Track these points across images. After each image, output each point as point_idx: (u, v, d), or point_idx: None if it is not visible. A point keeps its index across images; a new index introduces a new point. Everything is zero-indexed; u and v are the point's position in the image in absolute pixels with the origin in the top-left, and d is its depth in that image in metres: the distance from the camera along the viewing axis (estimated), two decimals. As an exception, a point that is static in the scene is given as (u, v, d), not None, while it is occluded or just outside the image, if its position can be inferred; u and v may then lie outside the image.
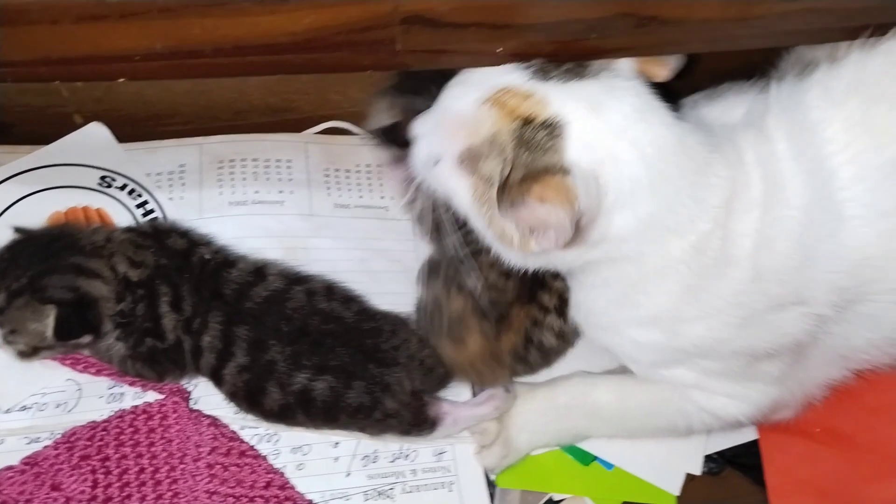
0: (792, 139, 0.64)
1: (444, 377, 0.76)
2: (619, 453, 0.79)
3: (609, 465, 0.79)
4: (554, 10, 0.61)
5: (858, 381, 0.80)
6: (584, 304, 0.72)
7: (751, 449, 0.81)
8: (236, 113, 0.95)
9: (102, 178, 0.87)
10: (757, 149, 0.64)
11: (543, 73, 0.62)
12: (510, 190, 0.60)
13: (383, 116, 0.81)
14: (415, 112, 0.71)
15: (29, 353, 0.70)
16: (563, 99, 0.61)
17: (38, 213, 0.83)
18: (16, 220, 0.81)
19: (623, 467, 0.79)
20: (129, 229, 0.78)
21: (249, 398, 0.71)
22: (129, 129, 0.91)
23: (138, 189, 0.87)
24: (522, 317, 0.77)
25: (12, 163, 0.86)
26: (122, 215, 0.85)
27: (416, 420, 0.73)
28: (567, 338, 0.78)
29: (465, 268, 0.73)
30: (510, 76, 0.62)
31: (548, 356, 0.79)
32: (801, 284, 0.64)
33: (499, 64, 0.66)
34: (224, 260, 0.75)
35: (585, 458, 0.79)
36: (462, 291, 0.75)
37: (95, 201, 0.85)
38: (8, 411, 0.72)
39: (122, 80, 0.63)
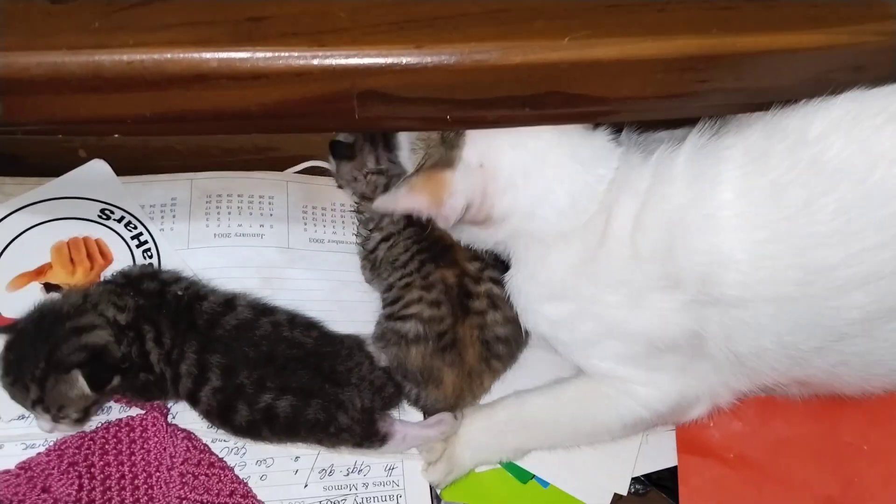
0: (693, 156, 0.74)
1: (392, 396, 0.84)
2: (554, 472, 0.87)
3: (545, 483, 0.87)
4: (490, 89, 0.69)
5: (772, 414, 0.89)
6: (513, 290, 0.83)
7: (675, 473, 0.88)
8: (226, 151, 1.04)
9: (102, 210, 0.96)
10: (662, 155, 0.76)
11: None
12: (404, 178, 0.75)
13: (342, 135, 0.95)
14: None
15: (83, 416, 0.78)
16: None
17: (43, 243, 0.92)
18: (24, 247, 0.91)
19: (557, 485, 0.87)
20: (105, 282, 0.86)
21: (222, 416, 0.80)
22: (127, 163, 1.01)
23: (134, 221, 0.96)
24: (468, 329, 0.87)
25: (22, 195, 0.95)
26: (118, 245, 0.94)
27: (367, 434, 0.81)
28: (514, 319, 0.86)
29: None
30: None
31: (511, 342, 0.89)
32: (673, 269, 0.73)
33: (449, 129, 0.76)
34: (196, 293, 0.83)
35: (524, 476, 0.87)
36: (412, 341, 0.85)
37: (95, 232, 0.94)
38: (8, 420, 0.81)
39: (116, 136, 0.73)
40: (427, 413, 0.87)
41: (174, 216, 0.98)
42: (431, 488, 0.85)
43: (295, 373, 0.80)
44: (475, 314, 0.87)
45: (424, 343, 0.85)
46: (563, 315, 0.80)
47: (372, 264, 0.94)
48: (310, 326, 0.84)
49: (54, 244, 0.92)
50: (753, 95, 0.74)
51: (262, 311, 0.84)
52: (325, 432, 0.80)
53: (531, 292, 0.81)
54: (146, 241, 0.95)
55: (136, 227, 0.96)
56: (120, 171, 1.00)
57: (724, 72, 0.71)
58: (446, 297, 0.86)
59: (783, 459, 0.86)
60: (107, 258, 0.93)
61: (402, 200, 0.74)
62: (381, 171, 0.95)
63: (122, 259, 0.93)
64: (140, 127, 0.70)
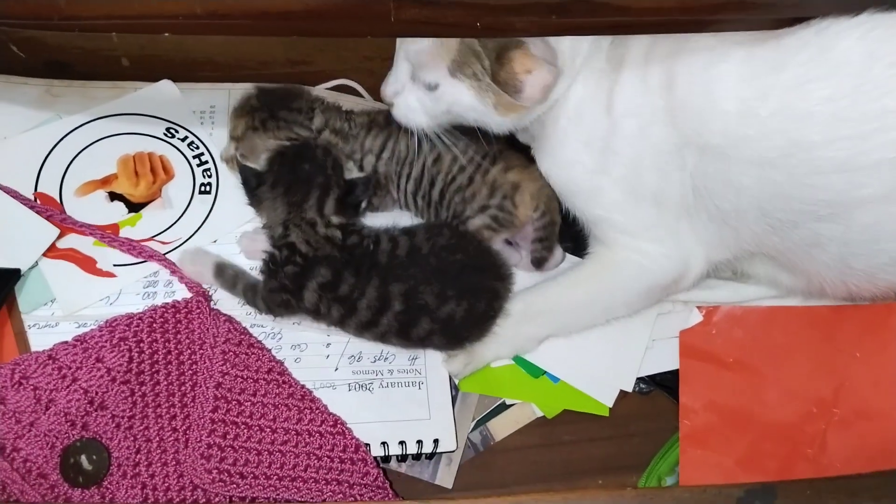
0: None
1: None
2: (564, 369, 0.93)
3: (555, 379, 0.93)
4: (520, -5, 0.73)
5: (772, 323, 0.94)
6: (542, 154, 0.90)
7: (677, 376, 0.93)
8: (261, 63, 1.09)
9: (168, 129, 1.02)
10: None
11: None
12: (501, 76, 0.78)
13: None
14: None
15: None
16: None
17: (111, 155, 0.99)
18: (92, 157, 0.98)
19: (567, 381, 0.93)
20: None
21: (400, 333, 0.86)
22: (167, 73, 1.06)
23: (196, 142, 1.02)
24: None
25: (96, 107, 1.02)
26: (180, 163, 1.01)
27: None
28: None
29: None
30: None
31: None
32: (672, 104, 0.79)
33: (479, 37, 0.80)
34: (375, 238, 0.88)
35: (536, 372, 0.94)
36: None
37: (160, 149, 1.01)
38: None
39: (166, 34, 0.77)
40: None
41: (213, 122, 1.04)
42: (450, 378, 0.92)
43: (469, 277, 0.87)
44: None
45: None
46: (581, 148, 0.85)
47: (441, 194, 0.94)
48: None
49: (121, 157, 0.99)
50: (775, 11, 0.78)
51: (408, 232, 0.89)
52: (487, 318, 0.88)
53: (567, 135, 0.86)
54: (207, 161, 1.01)
55: (198, 147, 1.02)
56: (159, 79, 1.06)
57: (744, -15, 0.75)
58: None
59: (779, 364, 0.92)
60: (169, 173, 1.00)
61: (534, 83, 0.78)
62: (337, 130, 0.96)
63: (182, 175, 1.00)
64: (189, 25, 0.74)
